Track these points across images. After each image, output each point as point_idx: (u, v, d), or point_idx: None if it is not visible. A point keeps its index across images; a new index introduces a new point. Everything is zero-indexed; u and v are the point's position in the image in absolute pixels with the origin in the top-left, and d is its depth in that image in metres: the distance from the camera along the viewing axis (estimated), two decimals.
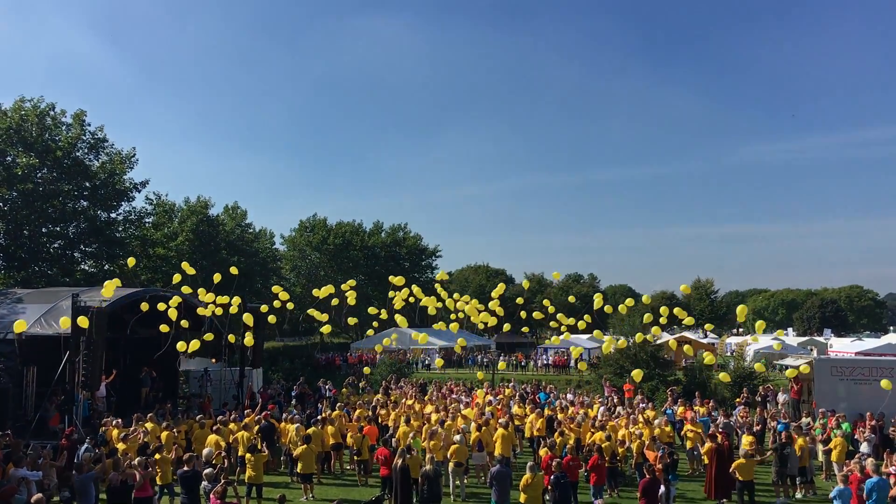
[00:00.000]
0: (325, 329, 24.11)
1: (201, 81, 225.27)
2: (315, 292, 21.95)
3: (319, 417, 19.39)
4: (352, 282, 23.00)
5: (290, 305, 22.05)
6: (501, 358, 55.51)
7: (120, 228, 40.47)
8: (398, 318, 22.41)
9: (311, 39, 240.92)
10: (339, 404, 21.78)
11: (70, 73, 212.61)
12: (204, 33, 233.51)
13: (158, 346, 22.74)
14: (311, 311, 21.49)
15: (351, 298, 21.20)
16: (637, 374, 21.23)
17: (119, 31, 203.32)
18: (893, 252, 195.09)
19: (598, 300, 21.17)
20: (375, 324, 25.40)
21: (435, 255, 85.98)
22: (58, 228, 37.42)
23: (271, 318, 23.11)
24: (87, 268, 39.95)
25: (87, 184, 38.00)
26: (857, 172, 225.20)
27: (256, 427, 17.89)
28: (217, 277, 21.81)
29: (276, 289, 23.11)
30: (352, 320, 27.78)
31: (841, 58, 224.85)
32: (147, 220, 43.81)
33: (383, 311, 23.08)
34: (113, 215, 40.22)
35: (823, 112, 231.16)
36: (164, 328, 21.07)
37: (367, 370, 31.51)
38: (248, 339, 22.38)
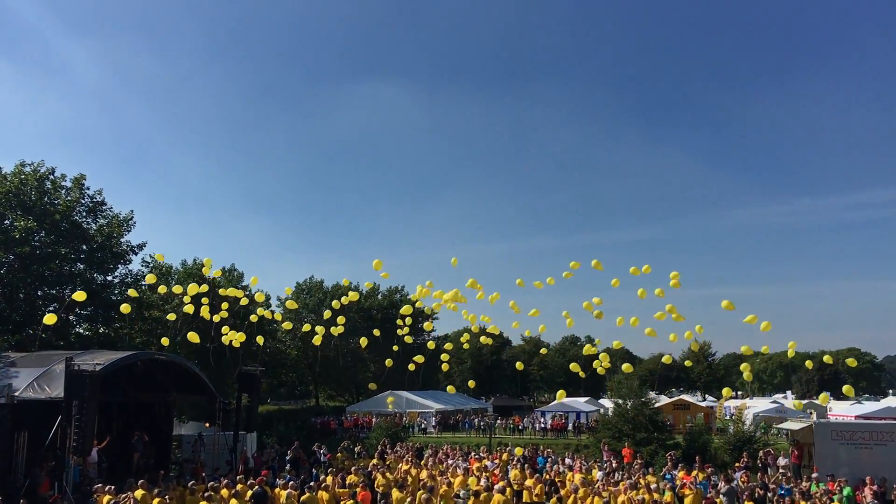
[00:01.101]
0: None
1: (201, 144, 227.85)
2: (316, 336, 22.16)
3: (313, 483, 19.11)
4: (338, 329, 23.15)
5: None
6: (498, 421, 54.91)
7: (116, 291, 40.41)
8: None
9: (311, 104, 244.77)
10: (330, 469, 21.49)
11: (71, 137, 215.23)
12: (204, 99, 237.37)
13: (151, 410, 22.54)
14: None
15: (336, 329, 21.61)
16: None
17: (119, 98, 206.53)
18: (890, 314, 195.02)
19: (604, 360, 20.97)
20: (373, 385, 25.40)
21: (431, 317, 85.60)
22: (53, 291, 37.36)
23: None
24: (81, 331, 39.73)
25: (85, 247, 38.09)
26: (852, 235, 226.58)
27: (249, 493, 17.61)
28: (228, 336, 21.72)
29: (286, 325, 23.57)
30: (372, 386, 27.82)
31: (833, 121, 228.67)
32: (143, 282, 43.74)
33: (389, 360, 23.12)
34: (109, 278, 40.21)
35: (816, 175, 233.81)
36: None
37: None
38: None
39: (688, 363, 78.03)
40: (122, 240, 40.11)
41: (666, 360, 21.16)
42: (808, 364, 26.41)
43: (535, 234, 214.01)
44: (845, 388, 16.71)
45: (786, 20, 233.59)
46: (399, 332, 23.24)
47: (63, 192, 37.98)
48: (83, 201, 38.58)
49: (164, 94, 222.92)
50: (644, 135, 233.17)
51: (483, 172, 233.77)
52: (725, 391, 20.82)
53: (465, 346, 23.05)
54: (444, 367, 27.56)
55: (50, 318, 20.81)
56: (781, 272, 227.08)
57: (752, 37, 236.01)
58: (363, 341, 22.58)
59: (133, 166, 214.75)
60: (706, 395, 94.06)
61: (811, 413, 36.74)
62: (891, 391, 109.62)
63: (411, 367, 21.94)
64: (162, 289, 25.43)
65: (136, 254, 41.31)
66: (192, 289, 22.28)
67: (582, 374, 21.24)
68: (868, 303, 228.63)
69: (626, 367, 22.30)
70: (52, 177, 37.63)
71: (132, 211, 40.89)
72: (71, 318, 38.91)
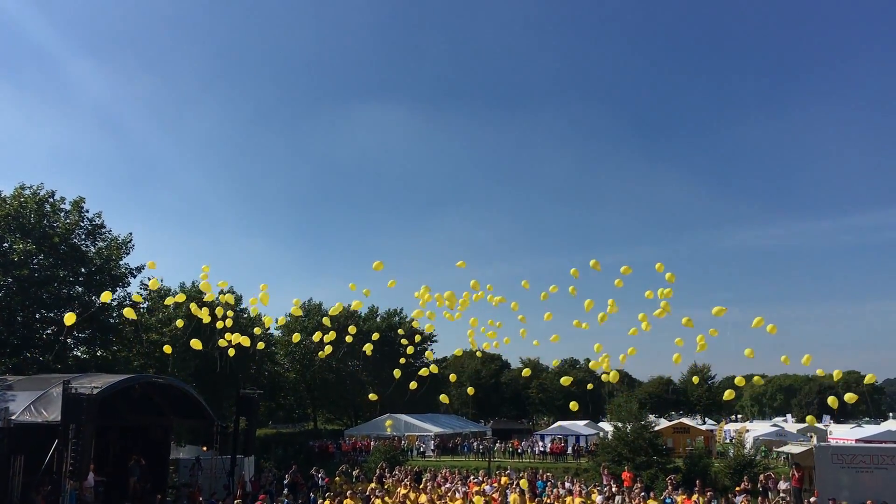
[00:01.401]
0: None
1: (199, 168, 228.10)
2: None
3: None
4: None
5: None
6: (497, 445, 54.63)
7: (114, 314, 40.37)
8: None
9: (311, 127, 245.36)
10: (328, 493, 21.36)
11: (71, 160, 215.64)
12: (204, 123, 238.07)
13: (148, 434, 22.44)
14: None
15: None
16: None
17: (120, 122, 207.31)
18: (890, 337, 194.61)
19: (613, 376, 20.72)
20: (373, 396, 25.38)
21: (431, 339, 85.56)
22: (52, 314, 37.32)
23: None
24: (79, 354, 39.63)
25: (83, 269, 38.10)
26: (851, 258, 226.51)
27: None
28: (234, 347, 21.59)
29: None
30: (373, 396, 27.76)
31: (831, 144, 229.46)
32: (141, 305, 43.70)
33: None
34: (107, 301, 40.13)
35: (815, 198, 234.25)
36: None
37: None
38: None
39: (695, 379, 77.82)
40: (120, 262, 40.14)
41: (676, 359, 20.31)
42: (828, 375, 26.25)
43: (536, 256, 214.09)
44: (830, 399, 16.56)
45: (784, 45, 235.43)
46: (401, 360, 23.21)
47: (62, 214, 38.06)
48: (82, 224, 38.65)
49: (165, 115, 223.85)
50: (643, 157, 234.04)
51: (483, 194, 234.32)
52: (728, 394, 20.28)
53: (458, 352, 22.87)
54: (444, 398, 27.77)
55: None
56: (779, 294, 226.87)
57: (750, 61, 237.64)
58: (368, 348, 22.45)
59: (133, 187, 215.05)
60: (706, 419, 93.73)
61: (811, 436, 36.59)
62: (891, 414, 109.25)
63: (413, 385, 21.85)
64: (175, 299, 25.13)
65: (135, 276, 41.29)
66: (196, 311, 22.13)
67: (588, 386, 21.07)
68: (867, 325, 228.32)
69: (623, 398, 22.25)
70: (51, 200, 37.72)
71: (131, 233, 40.95)
72: (69, 341, 38.84)
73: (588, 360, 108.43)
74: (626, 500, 22.53)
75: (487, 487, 24.19)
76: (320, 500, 20.30)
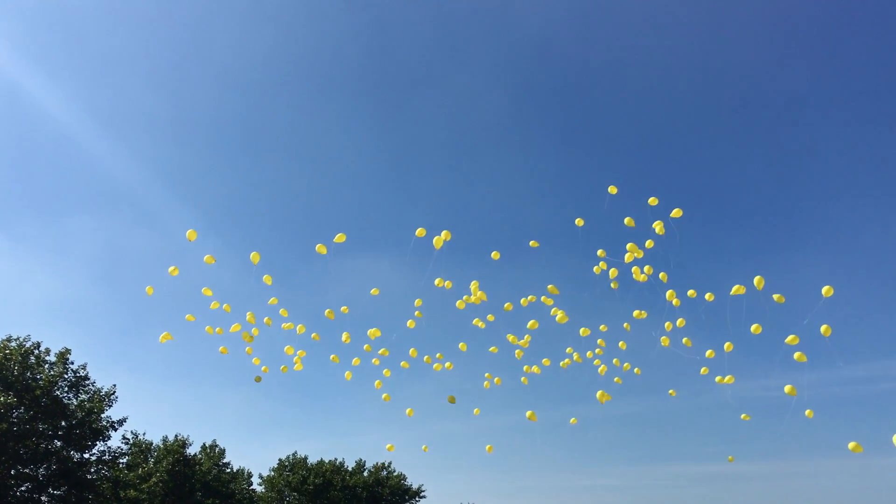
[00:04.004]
0: None
1: (191, 323, 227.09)
2: None
3: None
4: None
5: None
6: None
7: (92, 469, 39.23)
8: None
9: (301, 279, 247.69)
10: None
11: (60, 310, 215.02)
12: (194, 272, 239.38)
13: None
14: None
15: None
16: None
17: (113, 273, 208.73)
18: (890, 492, 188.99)
19: None
20: None
21: (419, 495, 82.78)
22: (27, 470, 36.22)
23: None
24: None
25: (64, 423, 37.34)
26: (848, 410, 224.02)
27: None
28: None
29: None
30: None
31: (817, 293, 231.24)
32: (122, 460, 42.57)
33: None
34: (86, 455, 39.13)
35: (808, 348, 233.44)
36: None
37: None
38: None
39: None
40: (102, 415, 39.46)
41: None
42: None
43: (522, 407, 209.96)
44: None
45: (771, 189, 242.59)
46: None
47: (46, 366, 37.79)
48: (66, 376, 38.30)
49: (158, 268, 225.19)
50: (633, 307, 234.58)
51: (471, 342, 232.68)
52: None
53: None
54: None
55: (174, 270, 19.10)
56: (774, 448, 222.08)
57: (738, 220, 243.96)
58: None
59: (121, 338, 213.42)
60: None
61: None
62: None
63: None
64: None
65: (116, 430, 40.49)
66: None
67: None
68: (865, 482, 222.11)
69: None
70: (36, 351, 37.56)
71: (115, 385, 40.55)
72: (43, 498, 37.53)
73: None
74: None
75: None
76: None
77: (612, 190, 17.87)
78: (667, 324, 18.43)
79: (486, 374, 21.14)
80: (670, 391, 21.37)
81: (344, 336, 19.19)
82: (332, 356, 19.56)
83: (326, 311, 19.14)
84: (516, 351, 19.99)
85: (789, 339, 16.86)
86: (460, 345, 20.63)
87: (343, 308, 19.18)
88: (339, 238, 18.24)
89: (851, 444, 16.59)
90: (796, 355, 16.84)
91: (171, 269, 18.65)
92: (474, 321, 19.61)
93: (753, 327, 17.26)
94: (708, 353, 18.24)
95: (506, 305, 19.53)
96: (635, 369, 19.36)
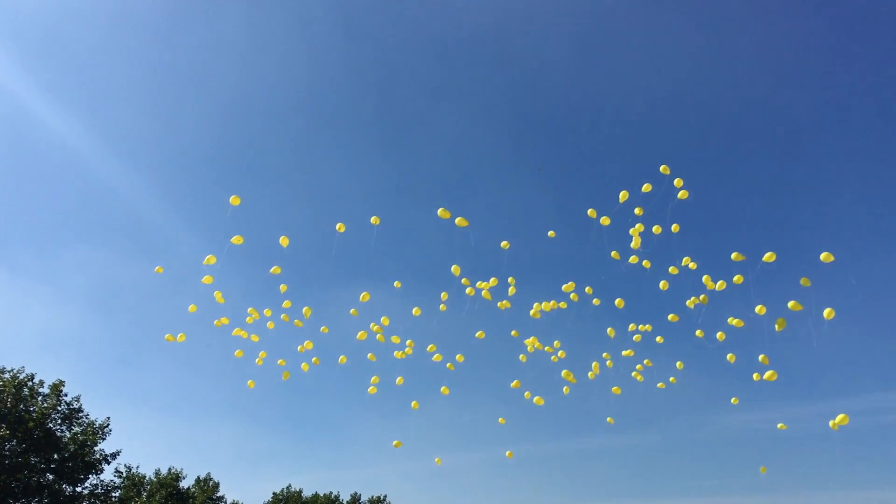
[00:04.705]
0: None
1: (184, 351, 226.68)
2: None
3: None
4: None
5: None
6: None
7: (84, 503, 38.80)
8: None
9: (297, 309, 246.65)
10: None
11: (55, 340, 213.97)
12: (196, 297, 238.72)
13: None
14: None
15: None
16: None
17: (109, 303, 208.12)
18: None
19: None
20: None
21: None
22: None
23: None
24: None
25: (56, 455, 37.02)
26: (844, 442, 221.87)
27: None
28: None
29: None
30: None
31: (822, 329, 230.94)
32: (114, 494, 42.10)
33: None
34: (79, 489, 38.73)
35: (807, 380, 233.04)
36: None
37: None
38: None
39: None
40: (95, 448, 39.13)
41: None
42: None
43: (520, 441, 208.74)
44: None
45: (759, 221, 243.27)
46: None
47: (40, 398, 37.56)
48: (59, 408, 38.04)
49: (152, 300, 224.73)
50: (630, 341, 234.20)
51: (470, 378, 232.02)
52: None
53: None
54: None
55: (235, 199, 18.43)
56: (769, 481, 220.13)
57: (734, 250, 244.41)
58: None
59: (116, 369, 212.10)
60: None
61: None
62: None
63: None
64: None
65: (109, 463, 40.13)
66: None
67: None
68: None
69: None
70: (30, 383, 37.37)
71: (108, 418, 40.25)
72: None
73: None
74: None
75: None
76: None
77: (592, 213, 17.94)
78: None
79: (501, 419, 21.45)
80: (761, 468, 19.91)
81: (341, 358, 19.52)
82: (340, 357, 19.81)
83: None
84: (525, 394, 19.96)
85: (767, 374, 16.94)
86: (442, 388, 20.72)
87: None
88: (341, 228, 18.73)
89: (839, 417, 16.39)
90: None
91: (157, 268, 18.87)
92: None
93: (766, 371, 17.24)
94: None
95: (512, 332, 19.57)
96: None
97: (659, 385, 18.59)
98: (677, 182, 16.91)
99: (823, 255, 16.36)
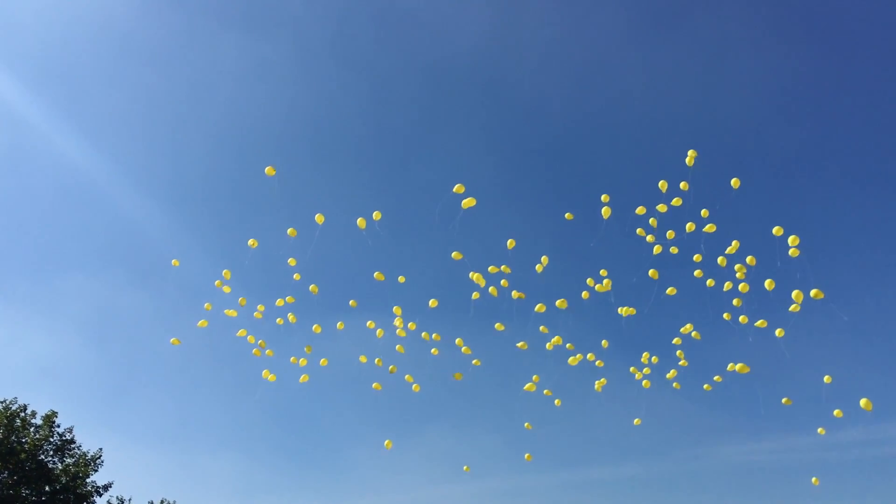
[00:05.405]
0: None
1: (180, 377, 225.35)
2: None
3: None
4: None
5: None
6: None
7: None
8: None
9: (296, 338, 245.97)
10: None
11: (50, 371, 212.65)
12: (188, 332, 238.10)
13: None
14: None
15: None
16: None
17: (104, 333, 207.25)
18: None
19: None
20: None
21: None
22: None
23: None
24: None
25: (48, 488, 36.55)
26: (850, 472, 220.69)
27: None
28: None
29: None
30: None
31: (815, 356, 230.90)
32: None
33: None
34: None
35: (806, 411, 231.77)
36: None
37: None
38: None
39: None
40: (87, 480, 38.67)
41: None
42: None
43: (519, 472, 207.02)
44: None
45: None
46: None
47: (32, 429, 37.19)
48: (52, 439, 37.67)
49: (149, 330, 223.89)
50: (627, 371, 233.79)
51: (468, 404, 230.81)
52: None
53: None
54: None
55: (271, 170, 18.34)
56: None
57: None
58: None
59: (110, 400, 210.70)
60: None
61: None
62: None
63: None
64: None
65: (101, 495, 39.62)
66: None
67: None
68: None
69: None
70: (22, 414, 37.05)
71: (101, 449, 39.77)
72: None
73: None
74: None
75: None
76: None
77: (569, 216, 17.85)
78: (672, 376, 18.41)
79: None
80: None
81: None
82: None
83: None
84: (526, 424, 19.73)
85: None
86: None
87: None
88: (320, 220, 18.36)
89: (863, 402, 16.23)
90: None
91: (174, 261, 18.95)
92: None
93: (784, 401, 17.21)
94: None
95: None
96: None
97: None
98: (703, 213, 16.89)
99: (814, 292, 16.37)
